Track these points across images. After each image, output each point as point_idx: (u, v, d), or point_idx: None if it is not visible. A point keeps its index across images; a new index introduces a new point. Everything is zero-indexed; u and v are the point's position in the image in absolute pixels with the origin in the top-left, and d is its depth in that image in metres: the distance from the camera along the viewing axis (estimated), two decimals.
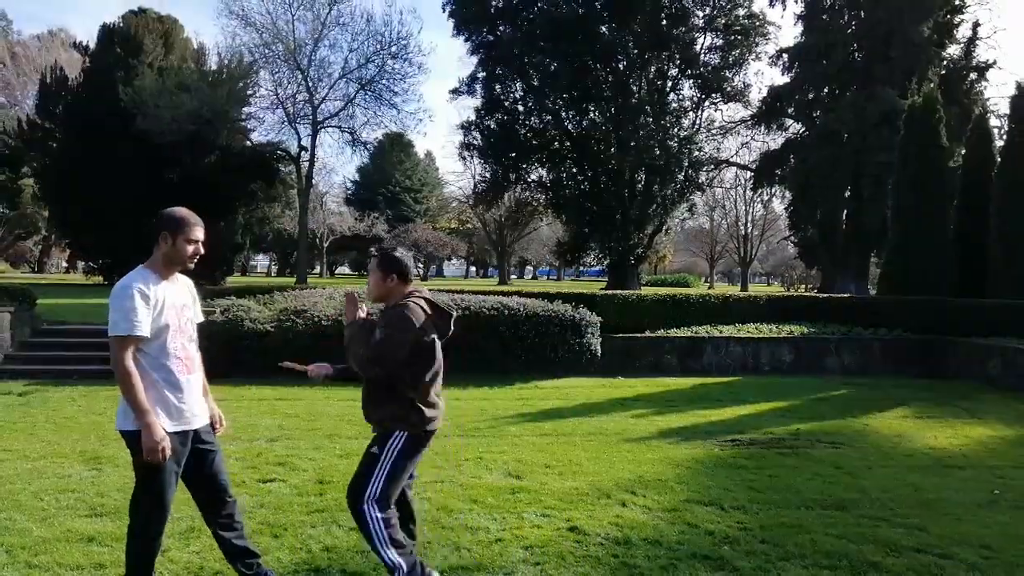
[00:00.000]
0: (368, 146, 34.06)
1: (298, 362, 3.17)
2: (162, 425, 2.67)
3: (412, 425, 2.89)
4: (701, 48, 27.29)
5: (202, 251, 2.84)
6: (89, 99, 24.61)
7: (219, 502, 2.97)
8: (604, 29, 26.03)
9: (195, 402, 2.85)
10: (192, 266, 2.85)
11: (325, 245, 48.96)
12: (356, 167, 58.73)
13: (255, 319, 8.99)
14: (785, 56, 27.49)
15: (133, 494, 2.81)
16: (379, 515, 2.81)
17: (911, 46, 23.46)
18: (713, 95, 27.76)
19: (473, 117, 28.71)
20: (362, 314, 3.06)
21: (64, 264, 50.47)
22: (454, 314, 3.09)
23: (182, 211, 2.82)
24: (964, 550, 3.68)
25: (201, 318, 3.09)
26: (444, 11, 27.84)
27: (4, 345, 9.06)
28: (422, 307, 2.91)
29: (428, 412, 2.92)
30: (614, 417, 7.03)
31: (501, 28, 27.28)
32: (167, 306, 2.74)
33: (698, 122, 28.48)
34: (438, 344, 2.98)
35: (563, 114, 27.62)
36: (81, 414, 6.57)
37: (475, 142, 28.93)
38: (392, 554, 2.81)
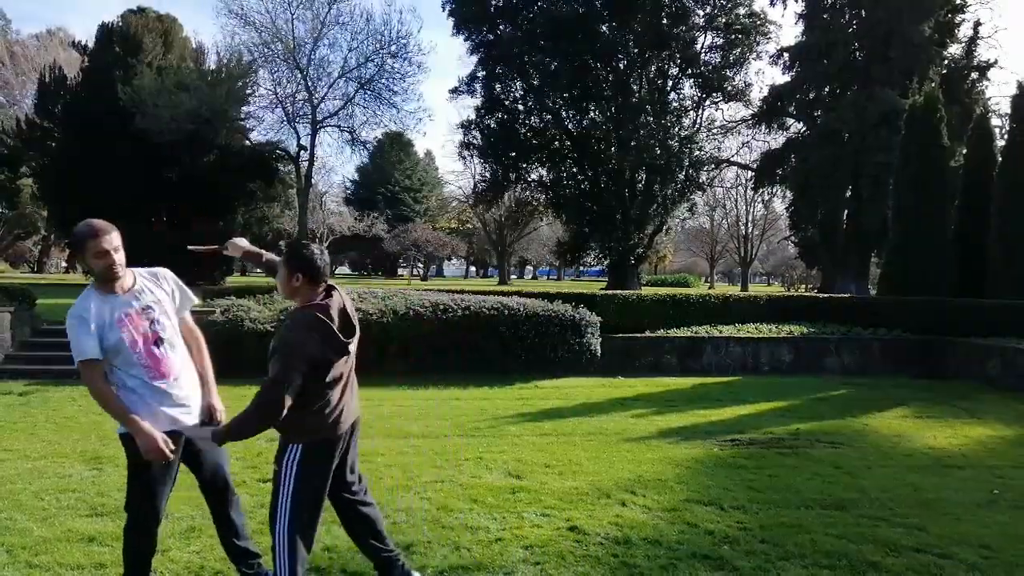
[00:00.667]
0: (367, 145, 34.04)
1: None
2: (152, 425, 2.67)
3: (308, 433, 2.65)
4: (702, 47, 27.28)
5: (116, 259, 2.67)
6: (88, 98, 24.60)
7: (219, 501, 2.98)
8: (604, 28, 26.01)
9: (183, 404, 2.79)
10: (119, 274, 2.70)
11: (325, 245, 48.89)
12: (355, 167, 58.79)
13: (255, 319, 8.99)
14: (786, 55, 27.49)
15: (126, 493, 2.83)
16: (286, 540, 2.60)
17: (912, 45, 23.45)
18: (714, 94, 27.75)
19: (473, 116, 28.71)
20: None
21: (63, 264, 50.43)
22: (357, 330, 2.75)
23: (84, 227, 2.67)
24: (963, 550, 3.68)
25: (192, 300, 3.01)
26: (444, 10, 27.82)
27: (4, 345, 9.06)
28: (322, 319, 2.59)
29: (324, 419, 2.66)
30: (614, 417, 7.03)
31: (501, 27, 27.26)
32: (115, 320, 2.66)
33: (699, 121, 28.47)
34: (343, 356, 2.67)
35: (563, 113, 27.60)
36: (81, 414, 6.58)
37: (475, 141, 28.91)
38: None
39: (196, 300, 3.07)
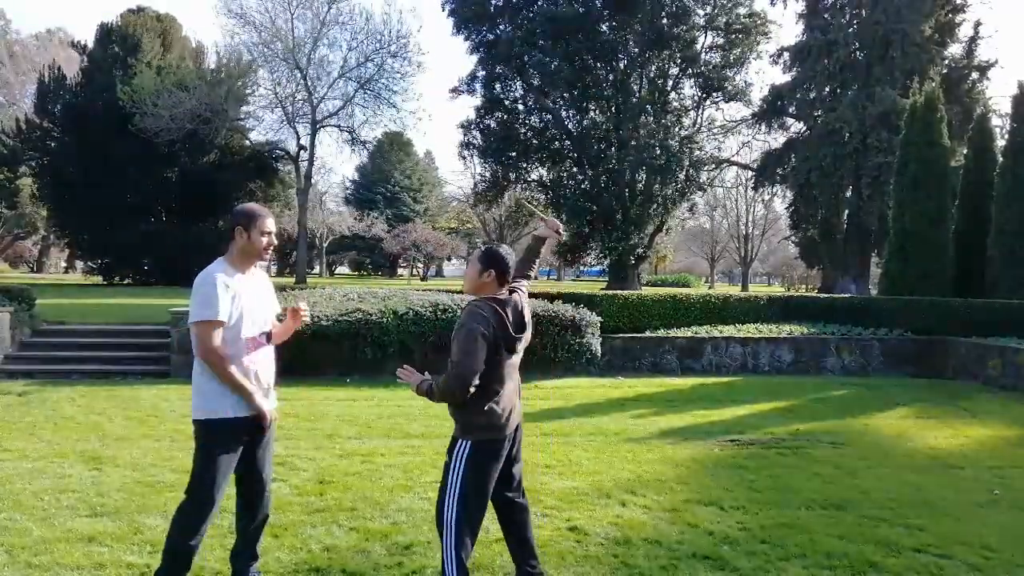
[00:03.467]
0: (367, 145, 34.05)
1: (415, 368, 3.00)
2: (233, 410, 2.78)
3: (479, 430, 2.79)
4: (702, 47, 27.28)
5: (275, 242, 3.00)
6: (87, 98, 24.62)
7: (257, 500, 3.01)
8: (604, 27, 26.02)
9: (263, 389, 2.93)
10: (267, 257, 2.98)
11: (324, 245, 48.91)
12: (355, 166, 58.73)
13: None
14: (786, 55, 27.50)
15: (188, 487, 2.84)
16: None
17: (912, 45, 23.46)
18: (714, 94, 27.75)
19: (473, 116, 28.72)
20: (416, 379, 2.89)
21: (63, 264, 50.45)
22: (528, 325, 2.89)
23: (253, 205, 2.98)
24: (964, 550, 3.68)
25: (279, 309, 3.21)
26: (444, 10, 27.84)
27: (4, 345, 9.05)
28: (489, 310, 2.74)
29: (495, 419, 2.79)
30: (614, 417, 7.03)
31: (501, 27, 27.27)
32: (244, 297, 2.85)
33: (699, 121, 28.48)
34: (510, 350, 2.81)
35: (563, 113, 27.60)
36: (81, 414, 6.57)
37: (475, 141, 28.91)
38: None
39: (280, 310, 3.23)
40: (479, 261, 2.85)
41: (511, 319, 2.77)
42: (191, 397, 2.86)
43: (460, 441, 2.81)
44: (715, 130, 30.20)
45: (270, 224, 2.94)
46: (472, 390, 2.67)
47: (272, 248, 2.97)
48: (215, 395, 2.78)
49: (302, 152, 29.43)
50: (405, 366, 2.93)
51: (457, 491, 2.77)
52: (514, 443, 2.94)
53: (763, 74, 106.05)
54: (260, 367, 2.92)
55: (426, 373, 2.89)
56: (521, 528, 3.06)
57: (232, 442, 2.82)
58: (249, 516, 3.02)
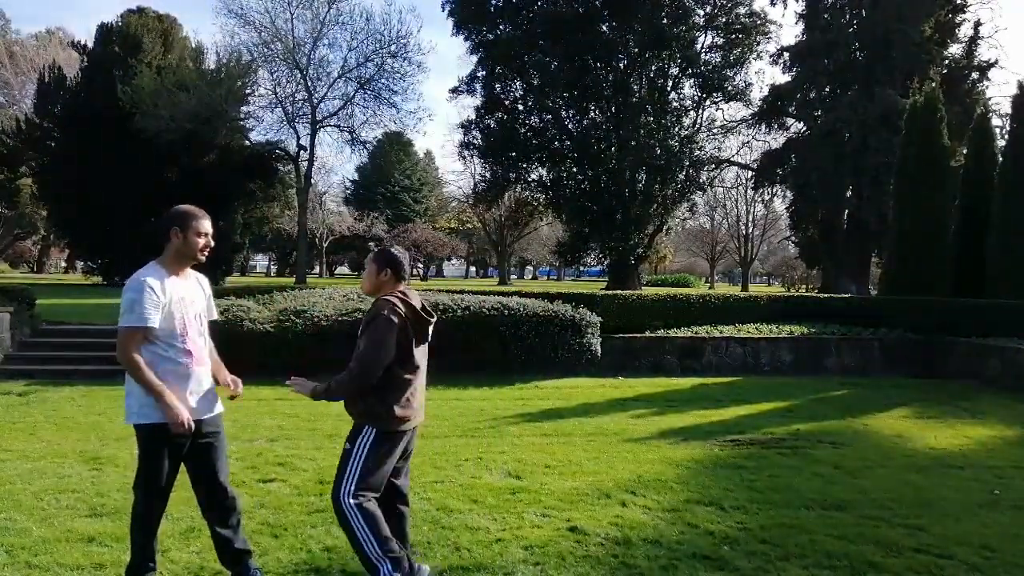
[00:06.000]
0: (367, 145, 34.01)
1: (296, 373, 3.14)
2: (162, 416, 2.76)
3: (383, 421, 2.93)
4: (702, 47, 27.27)
5: (212, 243, 2.97)
6: (87, 98, 24.58)
7: (217, 501, 2.99)
8: (604, 27, 26.01)
9: (202, 395, 2.92)
10: (204, 259, 2.94)
11: (324, 245, 48.90)
12: (355, 166, 58.76)
13: (255, 319, 8.97)
14: (786, 55, 27.48)
15: (134, 484, 2.90)
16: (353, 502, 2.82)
17: (912, 45, 23.45)
18: (714, 94, 27.73)
19: (473, 116, 28.71)
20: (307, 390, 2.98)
21: (63, 264, 50.42)
22: (433, 319, 3.11)
23: (189, 207, 2.95)
24: (964, 550, 3.68)
25: (215, 314, 3.21)
26: (444, 10, 27.82)
27: (4, 345, 9.05)
28: (401, 306, 2.94)
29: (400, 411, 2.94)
30: (614, 417, 7.03)
31: (501, 27, 27.25)
32: (175, 300, 2.85)
33: (699, 121, 28.45)
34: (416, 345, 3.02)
35: (563, 113, 27.58)
36: (81, 414, 6.57)
37: (475, 141, 28.90)
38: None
39: (216, 316, 3.25)
40: (375, 262, 3.05)
41: (419, 304, 3.01)
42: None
43: (366, 428, 2.90)
44: (715, 130, 30.17)
45: (206, 225, 2.92)
46: (374, 380, 2.82)
47: (209, 249, 2.93)
48: (147, 400, 2.77)
49: (302, 152, 29.42)
50: (293, 376, 3.01)
51: (358, 470, 2.85)
52: (412, 438, 3.09)
53: (763, 74, 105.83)
54: (195, 371, 2.91)
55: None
56: (400, 520, 3.10)
57: (168, 445, 2.82)
58: (213, 516, 3.01)
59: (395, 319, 2.87)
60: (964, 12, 25.57)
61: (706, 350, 10.73)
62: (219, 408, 3.03)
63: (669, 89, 27.80)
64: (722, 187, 43.55)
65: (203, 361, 2.97)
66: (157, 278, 2.81)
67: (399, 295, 2.99)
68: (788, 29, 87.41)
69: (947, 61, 25.37)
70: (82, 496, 4.21)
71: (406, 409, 2.95)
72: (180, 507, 4.00)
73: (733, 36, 26.99)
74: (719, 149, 31.66)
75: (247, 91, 27.08)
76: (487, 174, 30.40)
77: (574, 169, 28.30)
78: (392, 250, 3.07)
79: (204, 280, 3.15)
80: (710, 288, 47.56)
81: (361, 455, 2.88)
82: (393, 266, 3.02)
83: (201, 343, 2.97)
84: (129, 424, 2.84)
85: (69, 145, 24.29)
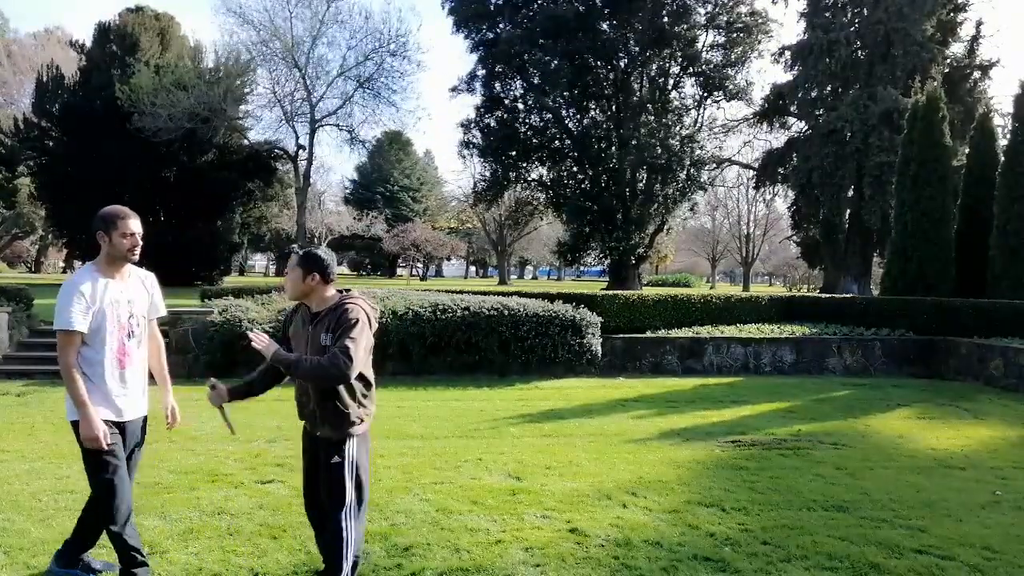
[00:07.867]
0: (366, 144, 34.02)
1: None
2: (100, 414, 2.83)
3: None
4: (703, 46, 27.27)
5: (139, 243, 2.92)
6: (85, 97, 24.58)
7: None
8: (605, 26, 26.00)
9: (129, 396, 2.97)
10: (135, 258, 2.93)
11: (323, 244, 48.84)
12: (354, 166, 58.83)
13: (253, 319, 8.95)
14: (787, 54, 27.46)
15: (87, 474, 2.96)
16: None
17: (913, 44, 23.44)
18: (715, 93, 27.74)
19: (473, 115, 28.73)
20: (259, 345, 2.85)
21: (61, 264, 50.40)
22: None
23: (114, 208, 2.92)
24: (966, 551, 3.66)
25: (163, 311, 3.21)
26: (443, 8, 27.83)
27: (2, 345, 9.04)
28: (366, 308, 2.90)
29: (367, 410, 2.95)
30: (615, 418, 7.01)
31: (501, 26, 27.25)
32: (107, 303, 2.86)
33: (700, 120, 28.47)
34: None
35: (563, 112, 27.58)
36: None
37: (475, 140, 28.90)
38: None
39: (164, 313, 3.25)
40: (299, 266, 2.82)
41: (377, 314, 2.96)
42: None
43: (348, 442, 2.84)
44: (716, 129, 30.24)
45: (132, 225, 2.88)
46: (348, 382, 2.76)
47: (137, 248, 2.91)
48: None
49: (301, 151, 29.39)
50: (255, 331, 2.89)
51: (354, 488, 2.84)
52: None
53: (764, 73, 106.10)
54: (128, 370, 2.95)
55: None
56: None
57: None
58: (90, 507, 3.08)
59: (372, 327, 2.84)
60: (966, 11, 25.57)
61: (707, 350, 10.70)
62: (144, 411, 3.07)
63: (670, 88, 27.80)
64: (723, 186, 43.58)
65: (133, 363, 2.98)
66: (90, 282, 2.82)
67: (364, 298, 2.91)
68: (789, 28, 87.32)
69: (949, 60, 25.36)
70: (80, 497, 4.18)
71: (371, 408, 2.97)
72: (178, 508, 3.99)
73: (734, 35, 26.98)
74: (720, 148, 31.72)
75: (246, 90, 27.06)
76: (487, 173, 30.40)
77: (574, 168, 28.30)
78: (316, 252, 2.85)
79: (149, 278, 3.13)
80: (711, 288, 47.54)
81: (353, 467, 2.85)
82: (319, 269, 2.82)
83: (134, 345, 2.98)
84: (70, 420, 2.90)
85: (67, 144, 24.29)
